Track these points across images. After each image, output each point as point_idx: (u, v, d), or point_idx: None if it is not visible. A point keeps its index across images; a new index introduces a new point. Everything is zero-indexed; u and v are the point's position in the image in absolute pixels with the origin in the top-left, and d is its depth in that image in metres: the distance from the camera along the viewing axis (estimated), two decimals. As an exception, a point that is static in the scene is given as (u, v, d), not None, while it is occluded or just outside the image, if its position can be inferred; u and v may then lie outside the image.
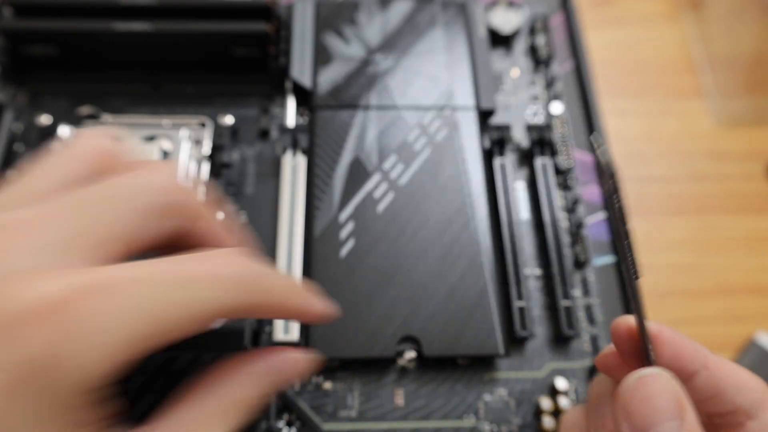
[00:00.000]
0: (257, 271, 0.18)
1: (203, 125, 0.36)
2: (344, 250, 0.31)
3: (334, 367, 0.30)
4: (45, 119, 0.35)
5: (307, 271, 0.31)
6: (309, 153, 0.34)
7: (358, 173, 0.33)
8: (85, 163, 0.17)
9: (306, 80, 0.36)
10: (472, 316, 0.29)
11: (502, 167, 0.35)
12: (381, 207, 0.32)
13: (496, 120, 0.38)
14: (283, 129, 0.35)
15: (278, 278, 0.19)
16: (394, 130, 0.34)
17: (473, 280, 0.30)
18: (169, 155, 0.35)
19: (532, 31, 0.41)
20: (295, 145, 0.35)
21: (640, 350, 0.19)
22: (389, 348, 0.29)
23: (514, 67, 0.40)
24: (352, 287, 0.30)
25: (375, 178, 0.33)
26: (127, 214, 0.16)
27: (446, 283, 0.30)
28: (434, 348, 0.29)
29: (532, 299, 0.32)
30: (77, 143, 0.18)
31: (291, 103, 0.37)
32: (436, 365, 0.30)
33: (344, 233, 0.31)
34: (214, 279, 0.17)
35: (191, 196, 0.18)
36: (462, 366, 0.31)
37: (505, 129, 0.36)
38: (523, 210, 0.35)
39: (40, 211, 0.15)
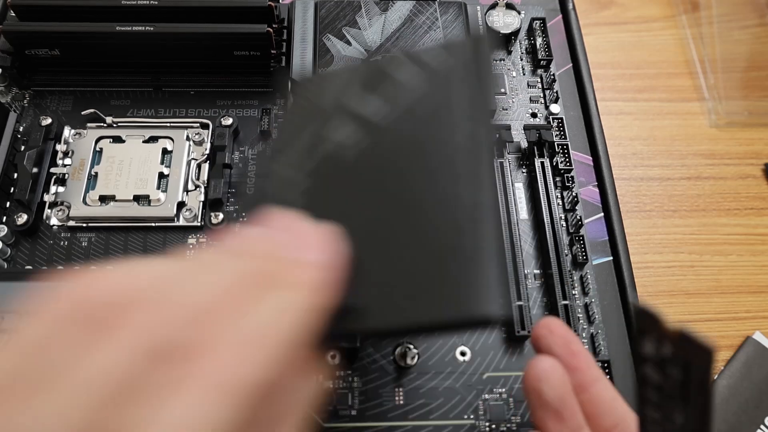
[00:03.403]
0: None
1: (204, 126, 0.36)
2: None
3: (336, 366, 0.30)
4: (48, 120, 0.35)
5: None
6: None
7: None
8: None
9: (306, 81, 0.36)
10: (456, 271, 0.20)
11: (502, 167, 0.35)
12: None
13: (496, 120, 0.38)
14: (284, 130, 0.35)
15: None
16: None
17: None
18: (171, 155, 0.35)
19: (531, 33, 0.41)
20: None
21: None
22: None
23: (513, 68, 0.40)
24: None
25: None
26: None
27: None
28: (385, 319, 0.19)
29: (532, 298, 0.33)
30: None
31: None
32: (437, 363, 0.31)
33: None
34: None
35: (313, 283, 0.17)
36: (462, 365, 0.31)
37: (504, 129, 0.36)
38: (522, 210, 0.35)
39: None
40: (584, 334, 0.32)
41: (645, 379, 0.19)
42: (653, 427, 0.19)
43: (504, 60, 0.40)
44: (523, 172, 0.37)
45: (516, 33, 0.40)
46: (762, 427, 0.36)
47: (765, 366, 0.38)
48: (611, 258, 0.34)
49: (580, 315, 0.32)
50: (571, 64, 0.41)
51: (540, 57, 0.39)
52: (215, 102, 0.38)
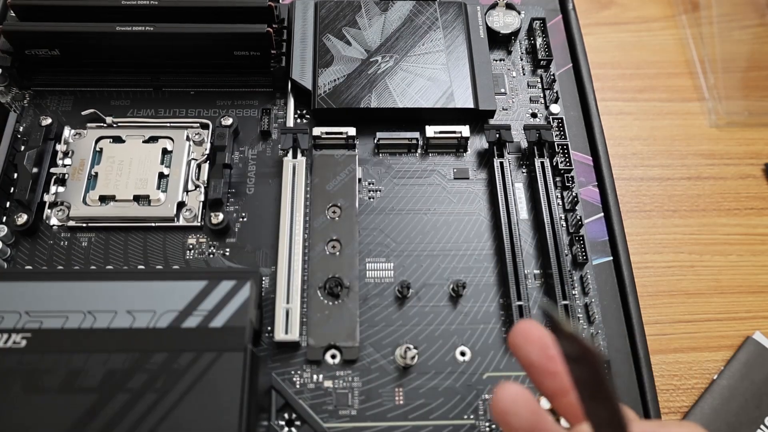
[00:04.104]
0: None
1: (204, 126, 0.36)
2: None
3: (338, 365, 0.30)
4: (48, 120, 0.35)
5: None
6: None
7: None
8: None
9: (306, 81, 0.36)
10: None
11: (502, 167, 0.35)
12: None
13: (496, 120, 0.38)
14: (284, 130, 0.36)
15: None
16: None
17: None
18: (171, 155, 0.35)
19: (531, 33, 0.41)
20: (295, 146, 0.35)
21: None
22: None
23: (513, 68, 0.40)
24: None
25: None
26: None
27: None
28: None
29: (532, 298, 0.33)
30: None
31: (291, 104, 0.38)
32: (437, 363, 0.31)
33: None
34: None
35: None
36: (462, 365, 0.31)
37: (504, 129, 0.36)
38: (522, 210, 0.35)
39: None
40: (584, 334, 0.32)
41: (573, 374, 0.20)
42: (592, 418, 0.20)
43: (504, 60, 0.40)
44: (523, 172, 0.37)
45: (516, 33, 0.40)
46: (762, 427, 0.36)
47: (765, 366, 0.38)
48: (611, 258, 0.34)
49: (580, 315, 0.32)
50: (571, 64, 0.41)
51: (540, 57, 0.39)
52: (215, 102, 0.38)
